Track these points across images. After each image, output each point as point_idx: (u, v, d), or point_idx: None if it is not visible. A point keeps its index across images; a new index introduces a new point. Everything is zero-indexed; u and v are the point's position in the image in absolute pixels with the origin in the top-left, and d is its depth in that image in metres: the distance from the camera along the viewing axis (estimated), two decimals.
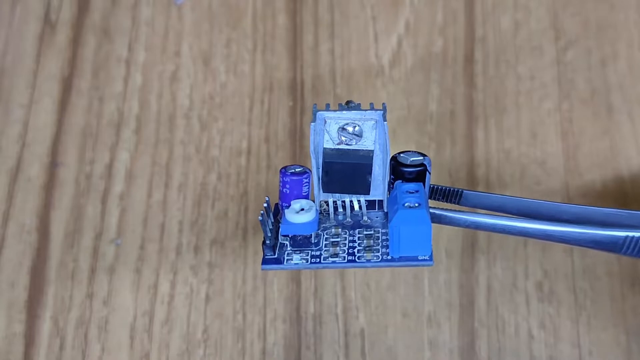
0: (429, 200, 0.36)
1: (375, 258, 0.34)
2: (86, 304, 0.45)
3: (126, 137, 0.49)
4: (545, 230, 0.35)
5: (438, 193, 0.39)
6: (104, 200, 0.47)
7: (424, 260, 0.34)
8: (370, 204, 0.36)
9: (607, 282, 0.44)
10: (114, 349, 0.44)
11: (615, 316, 0.43)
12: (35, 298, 0.45)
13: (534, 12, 0.50)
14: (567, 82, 0.48)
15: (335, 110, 0.35)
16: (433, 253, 0.34)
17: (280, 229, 0.35)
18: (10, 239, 0.46)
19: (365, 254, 0.34)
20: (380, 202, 0.36)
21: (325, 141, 0.35)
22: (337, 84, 0.49)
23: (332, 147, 0.35)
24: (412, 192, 0.34)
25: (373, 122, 0.35)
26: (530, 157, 0.47)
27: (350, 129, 0.35)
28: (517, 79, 0.49)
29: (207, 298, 0.45)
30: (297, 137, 0.48)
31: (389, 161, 0.35)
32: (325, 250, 0.35)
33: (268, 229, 0.34)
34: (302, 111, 0.49)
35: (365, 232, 0.35)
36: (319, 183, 0.36)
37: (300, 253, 0.35)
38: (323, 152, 0.35)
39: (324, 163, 0.35)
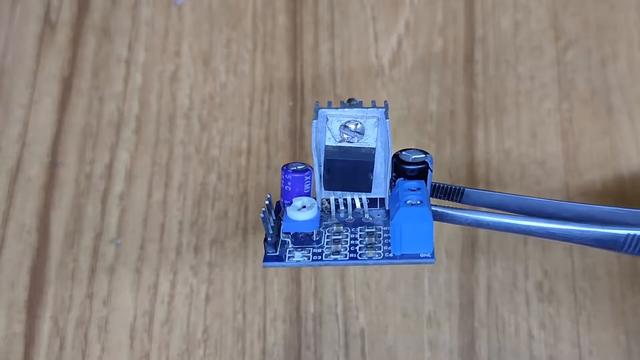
0: (431, 198, 0.36)
1: (376, 256, 0.34)
2: (86, 304, 0.45)
3: (126, 137, 0.48)
4: (546, 229, 0.35)
5: (439, 191, 0.39)
6: (104, 200, 0.47)
7: (426, 257, 0.34)
8: (372, 202, 0.37)
9: (607, 282, 0.44)
10: (114, 349, 0.44)
11: (615, 316, 0.43)
12: (35, 298, 0.45)
13: (534, 12, 0.50)
14: (567, 82, 0.48)
15: (337, 108, 0.35)
16: (435, 251, 0.34)
17: (282, 227, 0.35)
18: (10, 239, 0.46)
19: (367, 252, 0.34)
20: (382, 199, 0.36)
21: (327, 139, 0.35)
22: (337, 84, 0.49)
23: (334, 145, 0.35)
24: (414, 190, 0.34)
25: (375, 119, 0.35)
26: (530, 157, 0.47)
27: (352, 126, 0.35)
28: (517, 79, 0.49)
29: (207, 298, 0.45)
30: (297, 137, 0.48)
31: (390, 159, 0.35)
32: (326, 248, 0.35)
33: (270, 227, 0.34)
34: (302, 111, 0.49)
35: (366, 230, 0.35)
36: (320, 181, 0.36)
37: (301, 250, 0.35)
38: (325, 150, 0.35)
39: (326, 161, 0.35)
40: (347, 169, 0.35)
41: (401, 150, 0.36)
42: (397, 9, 0.51)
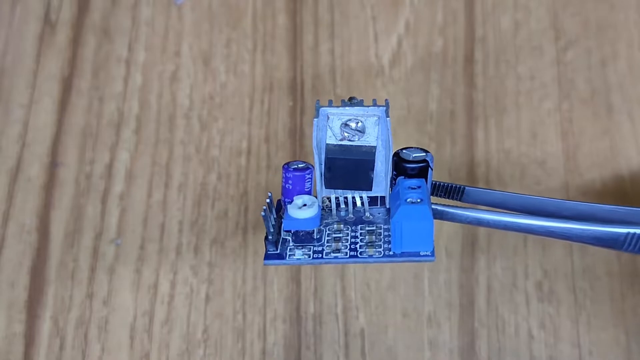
0: (431, 196, 0.36)
1: (377, 254, 0.34)
2: (86, 304, 0.45)
3: (126, 137, 0.48)
4: (546, 227, 0.35)
5: (440, 189, 0.39)
6: (104, 200, 0.47)
7: (426, 255, 0.34)
8: (373, 200, 0.37)
9: (606, 281, 0.44)
10: (114, 349, 0.44)
11: (615, 316, 0.43)
12: (35, 298, 0.45)
13: (534, 12, 0.50)
14: (567, 82, 0.49)
15: (338, 106, 0.35)
16: (434, 249, 0.34)
17: (282, 225, 0.35)
18: (10, 239, 0.46)
19: (367, 250, 0.34)
20: (383, 198, 0.37)
21: (327, 137, 0.35)
22: (337, 84, 0.49)
23: (335, 143, 0.35)
24: (415, 188, 0.34)
25: (376, 118, 0.35)
26: (530, 157, 0.47)
27: (353, 125, 0.35)
28: (517, 79, 0.49)
29: (207, 298, 0.45)
30: (297, 137, 0.48)
31: (391, 157, 0.35)
32: (327, 246, 0.35)
33: (270, 225, 0.34)
34: (302, 111, 0.49)
35: (367, 228, 0.36)
36: (321, 179, 0.36)
37: (302, 248, 0.35)
38: (326, 148, 0.35)
39: (327, 159, 0.35)
40: (348, 167, 0.35)
41: (402, 149, 0.36)
42: (397, 9, 0.51)
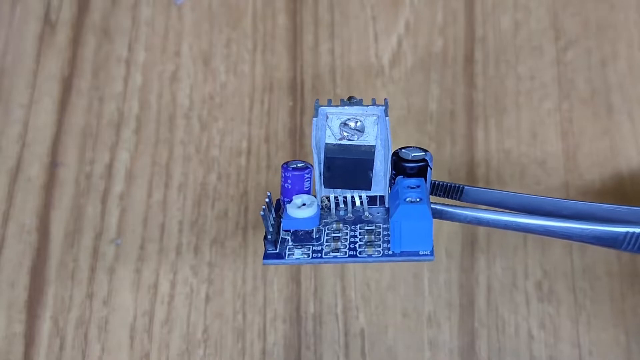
0: (430, 195, 0.36)
1: (376, 253, 0.34)
2: (86, 304, 0.45)
3: (126, 137, 0.49)
4: (546, 226, 0.35)
5: (439, 189, 0.39)
6: (104, 200, 0.47)
7: (425, 255, 0.34)
8: (372, 200, 0.37)
9: (606, 281, 0.44)
10: (114, 349, 0.44)
11: (615, 316, 0.43)
12: (35, 298, 0.45)
13: (534, 12, 0.50)
14: (567, 82, 0.48)
15: (337, 106, 0.35)
16: (434, 248, 0.34)
17: (281, 224, 0.35)
18: (10, 239, 0.46)
19: (366, 249, 0.34)
20: (382, 197, 0.37)
21: (327, 136, 0.35)
22: (337, 84, 0.49)
23: (334, 143, 0.35)
24: (414, 188, 0.34)
25: (375, 117, 0.35)
26: (530, 157, 0.47)
27: (352, 124, 0.35)
28: (517, 79, 0.49)
29: (207, 298, 0.45)
30: (297, 137, 0.48)
31: (390, 157, 0.35)
32: (326, 245, 0.35)
33: (269, 224, 0.34)
34: (302, 111, 0.49)
35: (366, 228, 0.36)
36: (320, 178, 0.36)
37: (301, 248, 0.35)
38: (325, 148, 0.35)
39: (326, 158, 0.35)
40: (347, 166, 0.35)
41: (401, 148, 0.36)
42: (397, 9, 0.51)
